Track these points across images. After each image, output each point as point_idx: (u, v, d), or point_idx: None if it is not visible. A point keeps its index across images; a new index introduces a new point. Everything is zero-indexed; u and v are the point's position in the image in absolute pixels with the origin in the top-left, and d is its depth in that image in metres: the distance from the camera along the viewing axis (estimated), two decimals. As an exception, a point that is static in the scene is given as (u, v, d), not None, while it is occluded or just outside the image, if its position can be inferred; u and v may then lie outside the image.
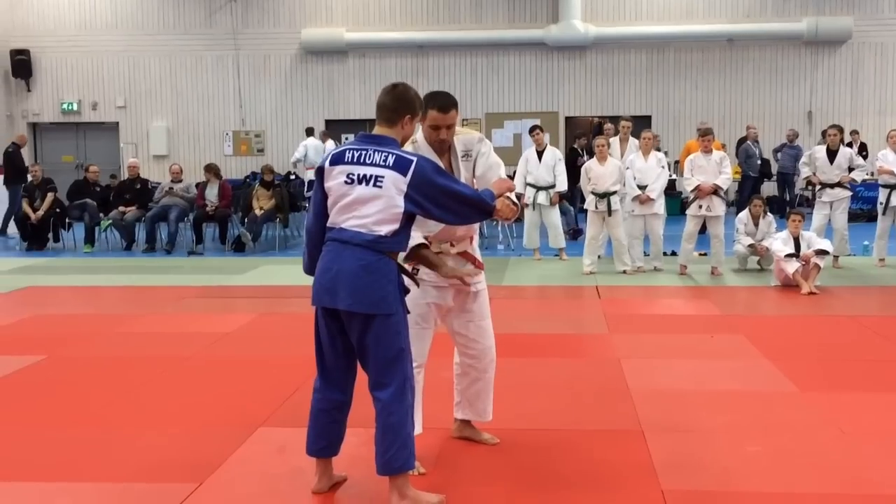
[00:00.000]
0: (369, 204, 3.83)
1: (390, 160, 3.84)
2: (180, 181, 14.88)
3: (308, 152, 18.46)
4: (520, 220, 14.20)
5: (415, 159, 3.86)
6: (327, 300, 3.87)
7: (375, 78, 20.45)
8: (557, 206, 12.36)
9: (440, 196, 3.86)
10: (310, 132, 19.30)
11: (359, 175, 3.86)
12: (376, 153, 3.87)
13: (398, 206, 3.82)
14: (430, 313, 4.45)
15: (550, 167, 12.11)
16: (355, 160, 3.89)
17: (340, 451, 4.17)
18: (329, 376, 4.04)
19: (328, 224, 3.94)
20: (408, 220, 3.90)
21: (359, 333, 3.86)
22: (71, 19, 20.99)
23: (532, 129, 12.62)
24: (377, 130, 4.02)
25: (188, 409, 5.56)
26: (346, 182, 3.87)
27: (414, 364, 4.04)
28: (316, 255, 4.01)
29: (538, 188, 12.10)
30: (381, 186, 3.82)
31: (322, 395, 4.07)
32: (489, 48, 20.39)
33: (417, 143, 4.32)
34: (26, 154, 20.83)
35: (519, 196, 12.25)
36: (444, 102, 4.25)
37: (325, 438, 4.10)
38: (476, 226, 4.48)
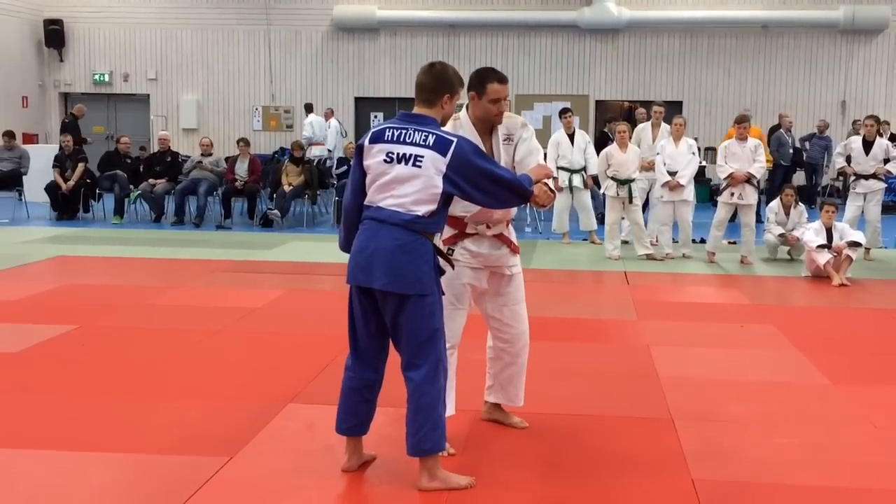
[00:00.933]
0: (408, 183, 3.82)
1: (430, 140, 3.83)
2: (210, 155, 14.92)
3: (315, 129, 18.25)
4: (544, 206, 14.20)
5: (455, 140, 3.85)
6: (363, 279, 3.87)
7: (406, 56, 20.41)
8: (587, 189, 12.30)
9: (479, 178, 3.85)
10: (309, 108, 19.07)
11: (398, 154, 3.84)
12: (416, 132, 3.86)
13: (437, 187, 3.81)
14: (465, 294, 4.45)
15: (582, 150, 12.10)
16: (395, 139, 3.87)
17: (370, 430, 4.18)
18: (361, 355, 4.04)
19: (366, 202, 3.93)
20: (445, 201, 3.89)
21: (393, 313, 3.85)
22: (104, -10, 21.05)
23: (563, 112, 12.56)
24: (416, 110, 4.00)
25: (218, 383, 5.59)
26: (385, 161, 3.86)
27: (447, 345, 4.04)
28: (353, 231, 4.01)
29: (572, 171, 12.05)
30: (420, 166, 3.80)
31: (354, 374, 4.07)
32: (521, 29, 20.28)
33: (460, 119, 4.31)
34: (58, 124, 21.06)
35: (553, 179, 12.17)
36: (501, 75, 4.29)
37: (355, 417, 4.10)
38: (513, 209, 4.46)
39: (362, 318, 3.97)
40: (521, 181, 3.97)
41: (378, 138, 3.92)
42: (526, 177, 4.02)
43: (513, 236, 4.56)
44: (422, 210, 3.82)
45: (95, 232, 13.34)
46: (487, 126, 4.35)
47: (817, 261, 9.59)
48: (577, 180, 12.05)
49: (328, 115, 18.81)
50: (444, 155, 3.80)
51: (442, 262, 4.01)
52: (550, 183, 4.19)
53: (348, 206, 4.08)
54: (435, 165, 3.80)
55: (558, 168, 11.99)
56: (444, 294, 4.00)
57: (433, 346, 3.86)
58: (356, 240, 3.94)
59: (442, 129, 3.96)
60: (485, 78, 4.26)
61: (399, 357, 3.97)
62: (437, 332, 3.88)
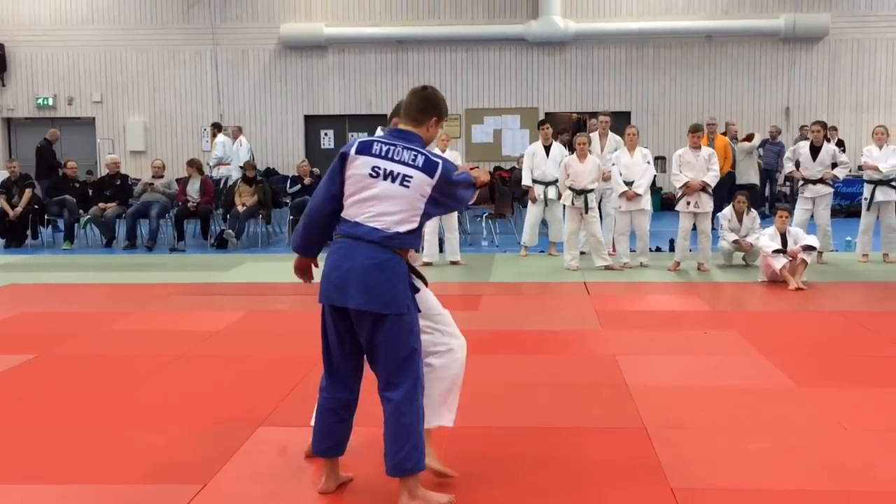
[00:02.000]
0: (392, 202, 3.80)
1: (419, 160, 3.83)
2: (161, 177, 14.74)
3: (225, 149, 17.71)
4: (503, 216, 14.26)
5: (440, 161, 3.88)
6: (336, 298, 3.82)
7: (355, 73, 20.41)
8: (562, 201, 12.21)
9: (456, 191, 3.92)
10: (218, 128, 18.54)
11: (385, 170, 3.83)
12: (405, 150, 3.85)
13: (419, 208, 3.82)
14: None
15: (557, 162, 12.01)
16: (383, 154, 3.85)
17: (346, 450, 4.13)
18: (336, 375, 3.99)
19: (343, 215, 3.89)
20: (424, 219, 3.89)
21: (369, 333, 3.81)
22: (46, 13, 20.75)
23: (540, 124, 12.56)
24: (403, 127, 4.00)
25: (185, 409, 5.49)
26: (370, 175, 3.84)
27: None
28: (316, 235, 4.00)
29: (546, 184, 12.03)
30: (408, 186, 3.81)
31: (329, 395, 4.02)
32: (469, 43, 20.37)
33: None
34: (0, 149, 20.73)
35: (528, 189, 12.21)
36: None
37: (332, 438, 4.05)
38: None
39: (336, 338, 3.93)
40: (466, 176, 4.01)
41: (365, 150, 3.89)
42: (464, 173, 4.04)
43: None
44: (403, 228, 3.82)
45: (46, 259, 13.10)
46: None
47: (773, 266, 9.71)
48: (551, 192, 12.04)
49: (236, 133, 18.24)
50: (432, 177, 3.82)
51: (415, 279, 3.98)
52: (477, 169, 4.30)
53: (316, 209, 3.99)
54: (422, 187, 3.81)
55: (534, 181, 12.00)
56: (420, 311, 3.97)
57: (411, 365, 3.83)
58: (328, 258, 3.89)
59: (427, 149, 3.96)
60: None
61: (373, 376, 3.93)
62: (416, 350, 3.85)
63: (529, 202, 12.26)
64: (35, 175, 16.10)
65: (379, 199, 3.81)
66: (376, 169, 3.83)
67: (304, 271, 4.16)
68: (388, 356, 3.81)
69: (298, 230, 4.10)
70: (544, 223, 12.58)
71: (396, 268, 3.81)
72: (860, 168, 12.71)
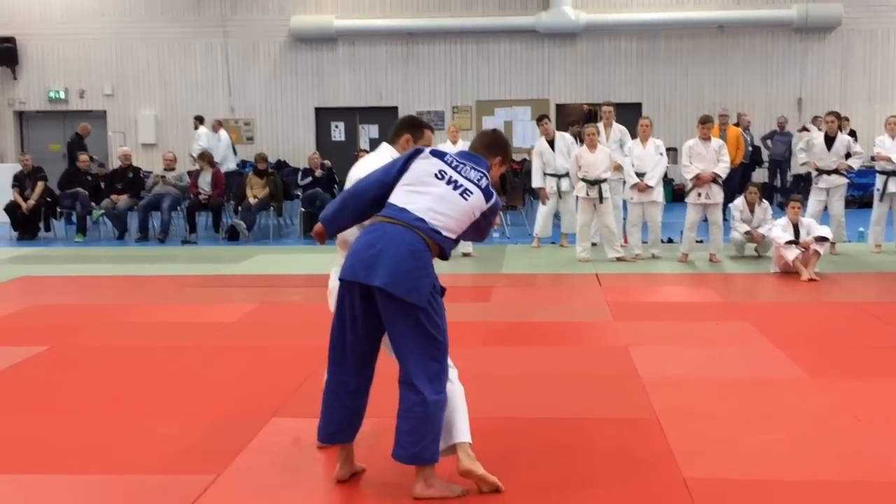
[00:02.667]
0: (446, 205, 3.91)
1: (483, 182, 4.00)
2: (173, 169, 14.77)
3: (209, 142, 17.22)
4: (515, 208, 14.25)
5: (494, 193, 4.05)
6: (363, 275, 3.77)
7: (365, 65, 20.37)
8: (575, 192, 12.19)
9: (489, 221, 4.13)
10: (200, 121, 18.28)
11: (450, 177, 3.97)
12: (473, 171, 4.02)
13: (465, 223, 3.98)
14: None
15: (564, 154, 12.02)
16: (453, 165, 4.01)
17: (355, 439, 4.11)
18: (342, 358, 3.97)
19: (390, 200, 3.93)
20: (461, 236, 4.06)
21: (392, 319, 3.79)
22: (57, 6, 20.74)
23: (539, 119, 12.56)
24: (474, 152, 4.19)
25: (198, 400, 5.52)
26: (436, 175, 3.95)
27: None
28: (349, 212, 4.02)
29: (559, 176, 12.03)
30: (466, 199, 3.94)
31: (331, 378, 4.01)
32: (479, 35, 20.30)
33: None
34: (12, 142, 20.78)
35: (539, 189, 12.23)
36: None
37: (334, 423, 4.02)
38: None
39: (350, 319, 3.90)
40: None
41: (438, 155, 4.04)
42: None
43: None
44: (445, 232, 3.91)
45: (59, 251, 13.15)
46: None
47: (786, 257, 9.68)
48: (564, 184, 12.04)
49: (216, 127, 17.90)
50: (487, 202, 3.99)
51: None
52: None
53: (363, 189, 4.03)
54: (476, 205, 3.97)
55: (546, 174, 12.01)
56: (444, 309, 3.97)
57: (436, 356, 3.82)
58: (362, 236, 3.89)
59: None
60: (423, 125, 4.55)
61: (389, 367, 3.93)
62: (441, 343, 3.84)
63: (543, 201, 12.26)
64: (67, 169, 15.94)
65: (435, 197, 3.91)
66: (443, 172, 3.97)
67: (320, 235, 4.16)
68: (410, 347, 3.79)
69: (335, 202, 4.13)
70: (557, 215, 12.57)
71: (428, 260, 3.85)
72: (872, 158, 12.67)
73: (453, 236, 3.95)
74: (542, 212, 12.30)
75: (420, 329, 3.78)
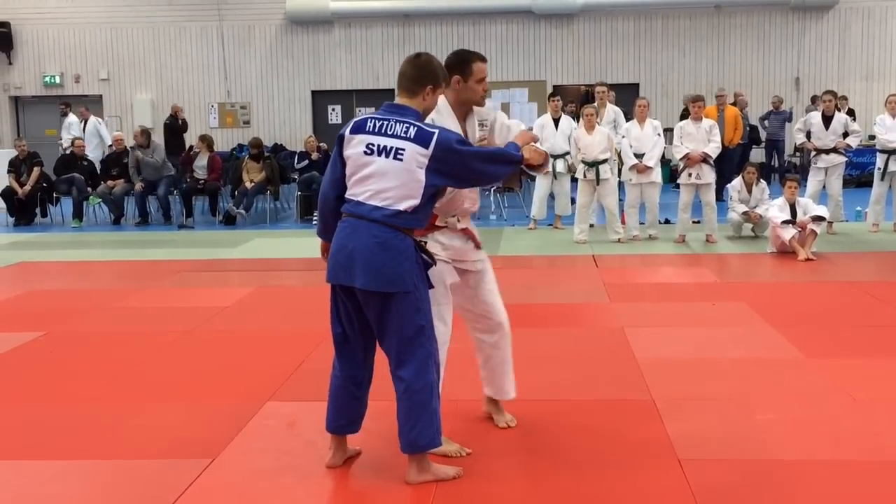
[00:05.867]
0: (389, 177, 3.75)
1: (411, 132, 3.76)
2: (147, 146, 14.47)
3: (74, 130, 17.23)
4: (512, 190, 14.21)
5: (436, 131, 3.78)
6: (343, 277, 3.80)
7: (362, 48, 20.32)
8: (569, 174, 12.17)
9: (468, 162, 3.80)
10: (69, 106, 18.14)
11: (379, 146, 3.78)
12: (397, 124, 3.79)
13: (419, 181, 3.75)
14: (447, 290, 4.35)
15: (566, 135, 11.94)
16: (376, 130, 3.81)
17: (360, 428, 4.13)
18: (347, 353, 3.98)
19: (346, 195, 3.87)
20: (431, 196, 3.83)
21: (377, 312, 3.79)
22: (51, -10, 20.69)
23: (551, 96, 12.52)
24: (398, 100, 3.94)
25: (194, 384, 5.52)
26: (365, 152, 3.80)
27: (440, 342, 4.01)
28: (330, 219, 3.98)
29: (555, 156, 11.94)
30: (401, 159, 3.74)
31: (340, 372, 4.02)
32: (476, 17, 20.23)
33: (440, 108, 4.17)
34: (8, 128, 20.72)
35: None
36: (481, 54, 4.27)
37: (345, 416, 4.06)
38: (476, 203, 4.43)
39: (346, 317, 3.92)
40: (507, 150, 3.92)
41: (359, 129, 3.85)
42: (512, 144, 3.97)
43: (475, 231, 4.50)
44: (404, 205, 3.75)
45: (55, 236, 13.13)
46: (464, 111, 4.29)
47: (782, 236, 9.67)
48: (559, 165, 11.99)
49: (84, 114, 17.76)
50: (427, 147, 3.73)
51: (425, 256, 3.93)
52: (537, 145, 4.13)
53: (326, 195, 4.01)
54: (416, 158, 3.73)
55: None
56: (433, 287, 3.95)
57: (421, 341, 3.81)
58: (335, 238, 3.87)
59: (423, 121, 3.89)
60: (468, 58, 4.20)
61: (385, 355, 3.92)
62: (424, 328, 3.82)
63: (539, 177, 12.21)
64: (166, 151, 15.84)
65: (376, 176, 3.77)
66: (370, 146, 3.79)
67: (327, 251, 4.11)
68: (396, 335, 3.80)
69: (319, 214, 4.13)
70: (552, 196, 12.53)
71: (401, 245, 3.76)
72: (871, 137, 12.63)
73: (416, 202, 3.74)
74: (538, 193, 12.27)
75: (405, 318, 3.77)
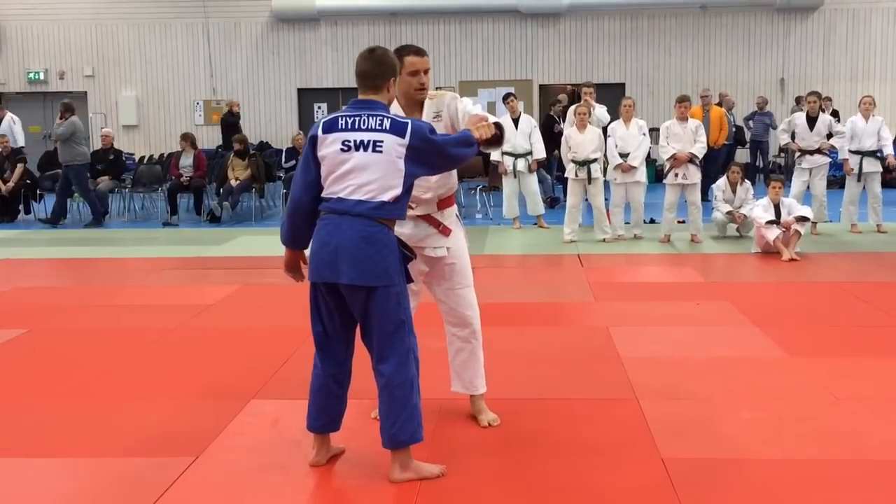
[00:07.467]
0: (370, 170, 3.76)
1: (386, 124, 3.79)
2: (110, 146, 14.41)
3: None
4: (497, 188, 14.22)
5: (409, 121, 3.84)
6: (328, 274, 3.79)
7: (348, 46, 20.29)
8: (535, 173, 12.34)
9: (438, 151, 3.87)
10: None
11: (356, 141, 3.78)
12: (370, 118, 3.81)
13: (400, 170, 3.78)
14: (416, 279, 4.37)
15: (527, 134, 12.10)
16: (350, 127, 3.81)
17: (341, 426, 4.13)
18: (328, 351, 3.98)
19: (324, 194, 3.86)
20: (410, 186, 3.86)
21: (362, 306, 3.80)
22: (36, -14, 20.59)
23: (506, 97, 12.63)
24: (363, 96, 3.93)
25: (177, 382, 5.49)
26: (342, 150, 3.80)
27: None
28: (301, 225, 3.95)
29: (516, 156, 12.05)
30: (381, 151, 3.76)
31: (322, 371, 4.01)
32: (462, 15, 20.25)
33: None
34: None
35: (497, 164, 12.24)
36: (418, 48, 4.30)
37: (327, 414, 4.05)
38: (453, 190, 4.46)
39: (327, 315, 3.91)
40: (465, 134, 3.97)
41: (332, 128, 3.85)
42: (465, 130, 4.01)
43: (449, 220, 4.47)
44: (387, 196, 3.77)
45: (38, 234, 13.07)
46: (414, 104, 4.33)
47: (767, 237, 9.71)
48: (521, 165, 12.05)
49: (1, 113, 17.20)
50: (403, 136, 3.77)
51: (405, 251, 3.96)
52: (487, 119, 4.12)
53: (298, 199, 3.95)
54: (395, 149, 3.77)
55: (503, 153, 11.96)
56: (412, 282, 3.96)
57: (401, 336, 3.82)
58: (316, 234, 3.86)
59: (393, 112, 3.93)
60: (401, 52, 4.23)
61: (366, 351, 3.92)
62: (404, 322, 3.84)
63: (504, 177, 12.29)
64: (223, 146, 15.56)
65: (356, 170, 3.77)
66: (347, 143, 3.79)
67: (293, 269, 4.11)
68: (378, 329, 3.80)
69: (284, 222, 4.06)
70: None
71: (385, 239, 3.79)
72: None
73: (398, 191, 3.77)
74: (506, 193, 12.33)
75: (387, 312, 3.78)
